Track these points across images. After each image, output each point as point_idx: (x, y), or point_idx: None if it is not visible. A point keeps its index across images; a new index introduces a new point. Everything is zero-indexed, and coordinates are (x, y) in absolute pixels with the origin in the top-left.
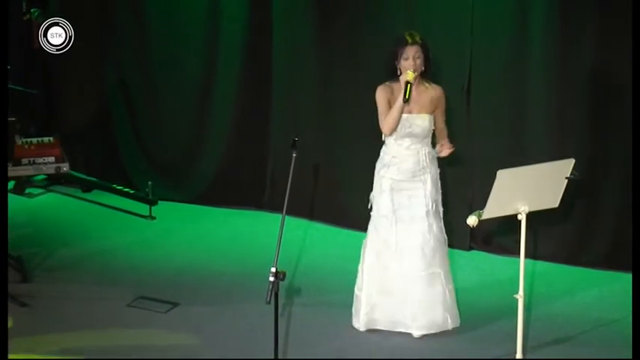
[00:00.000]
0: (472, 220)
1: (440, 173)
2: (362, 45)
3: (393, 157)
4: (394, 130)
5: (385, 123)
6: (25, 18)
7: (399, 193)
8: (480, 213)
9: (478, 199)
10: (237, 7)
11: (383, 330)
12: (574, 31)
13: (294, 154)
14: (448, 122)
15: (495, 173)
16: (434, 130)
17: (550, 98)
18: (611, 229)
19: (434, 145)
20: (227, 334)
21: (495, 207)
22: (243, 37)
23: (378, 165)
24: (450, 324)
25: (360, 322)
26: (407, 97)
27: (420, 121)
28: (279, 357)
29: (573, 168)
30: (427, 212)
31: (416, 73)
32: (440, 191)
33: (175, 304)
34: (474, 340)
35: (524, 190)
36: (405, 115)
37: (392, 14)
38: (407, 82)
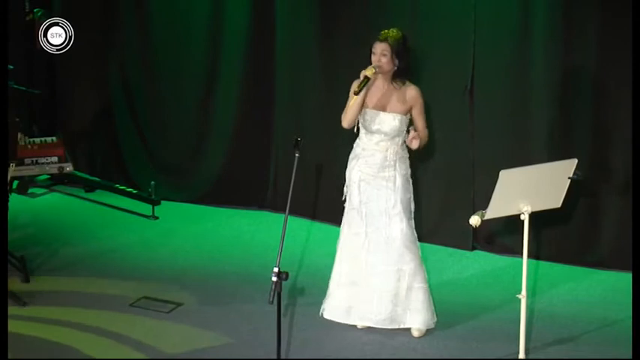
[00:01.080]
0: (475, 220)
1: (410, 174)
2: (365, 45)
3: (363, 149)
4: (351, 122)
5: (343, 115)
6: (27, 18)
7: (367, 186)
8: (482, 213)
9: (481, 199)
10: (241, 7)
11: (377, 328)
12: (576, 31)
13: (297, 154)
14: (450, 121)
15: (498, 173)
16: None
17: (552, 99)
18: (613, 229)
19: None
20: (230, 334)
21: (498, 207)
22: (247, 37)
23: (350, 157)
24: (418, 323)
25: (321, 308)
26: (359, 89)
27: (391, 120)
28: (282, 357)
29: (576, 168)
30: (393, 209)
31: (377, 69)
32: (410, 190)
33: (178, 304)
34: (477, 340)
35: (527, 190)
36: (375, 112)
37: (395, 16)
38: (364, 76)
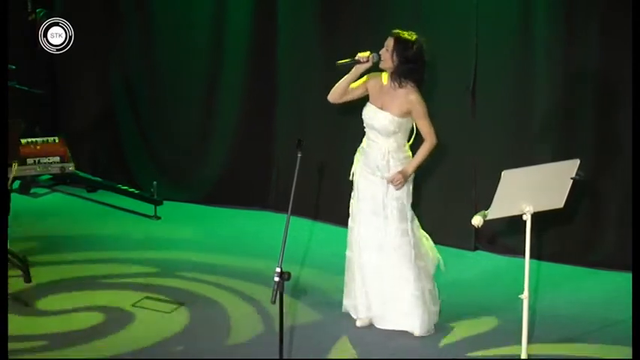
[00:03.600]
0: (477, 221)
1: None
2: (366, 45)
3: (364, 145)
4: (334, 99)
5: (332, 89)
6: (30, 18)
7: (364, 183)
8: (484, 213)
9: (483, 199)
10: (243, 7)
11: (388, 329)
12: (578, 30)
13: (299, 155)
14: (452, 122)
15: (500, 173)
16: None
17: (555, 98)
18: (616, 229)
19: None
20: (232, 335)
21: (500, 207)
22: (249, 37)
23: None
24: (408, 327)
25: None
26: (341, 62)
27: (382, 118)
28: (284, 357)
29: (578, 168)
30: (384, 210)
31: (372, 55)
32: (408, 193)
33: (180, 304)
34: (479, 340)
35: (530, 190)
36: (373, 107)
37: (397, 15)
38: (357, 58)
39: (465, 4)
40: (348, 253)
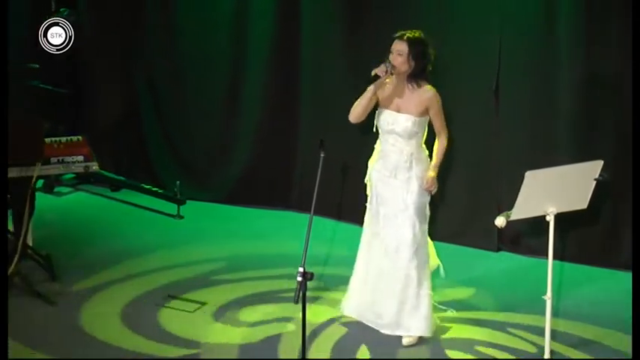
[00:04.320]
0: (500, 221)
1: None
2: (390, 45)
3: (381, 150)
4: (358, 117)
5: (352, 109)
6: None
7: (384, 187)
8: (508, 214)
9: (506, 200)
10: (266, 6)
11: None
12: (601, 32)
13: (322, 155)
14: (476, 122)
15: (523, 174)
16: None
17: (578, 100)
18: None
19: (431, 150)
20: (254, 333)
21: (524, 208)
22: (272, 36)
23: (370, 158)
24: (421, 331)
25: (341, 305)
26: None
27: (403, 120)
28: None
29: (602, 169)
30: (406, 212)
31: (388, 67)
32: (426, 194)
33: (203, 304)
34: (502, 340)
35: (553, 191)
36: (389, 112)
37: (421, 15)
38: (374, 74)
39: (489, 4)
40: (362, 264)
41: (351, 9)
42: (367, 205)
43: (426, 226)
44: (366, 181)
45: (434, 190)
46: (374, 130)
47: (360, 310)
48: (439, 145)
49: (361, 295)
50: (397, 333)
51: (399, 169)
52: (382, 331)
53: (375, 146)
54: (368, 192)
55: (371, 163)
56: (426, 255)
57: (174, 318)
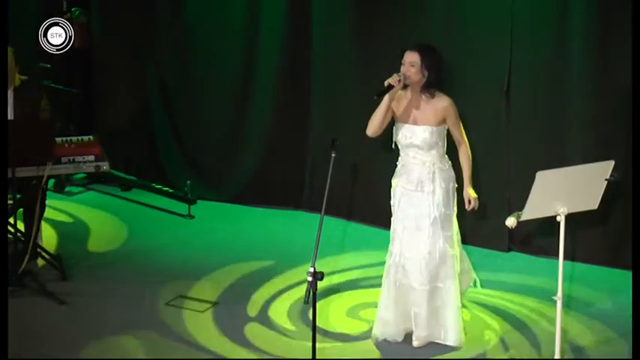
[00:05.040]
0: (511, 222)
1: (456, 187)
2: (401, 45)
3: (403, 165)
4: (375, 131)
5: (369, 123)
6: (65, 17)
7: (409, 201)
8: (518, 214)
9: (517, 200)
10: (277, 7)
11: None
12: (613, 33)
13: (332, 155)
14: (487, 123)
15: (534, 174)
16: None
17: (589, 100)
18: None
19: (456, 159)
20: (265, 333)
21: (534, 208)
22: (283, 37)
23: (394, 174)
24: (449, 340)
25: (373, 333)
26: (378, 95)
27: (421, 132)
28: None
29: (613, 170)
30: (433, 224)
31: (401, 78)
32: (451, 205)
33: (214, 303)
34: (513, 341)
35: (564, 191)
36: (407, 125)
37: (431, 16)
38: (387, 84)
39: (500, 5)
40: (393, 284)
41: (361, 10)
42: (392, 219)
43: (456, 237)
44: (392, 204)
45: (476, 207)
46: (392, 147)
47: (391, 333)
48: (464, 157)
49: (396, 316)
50: (431, 339)
51: (423, 181)
52: (422, 344)
53: (397, 162)
54: (393, 211)
55: (394, 180)
56: (452, 264)
57: (191, 318)
